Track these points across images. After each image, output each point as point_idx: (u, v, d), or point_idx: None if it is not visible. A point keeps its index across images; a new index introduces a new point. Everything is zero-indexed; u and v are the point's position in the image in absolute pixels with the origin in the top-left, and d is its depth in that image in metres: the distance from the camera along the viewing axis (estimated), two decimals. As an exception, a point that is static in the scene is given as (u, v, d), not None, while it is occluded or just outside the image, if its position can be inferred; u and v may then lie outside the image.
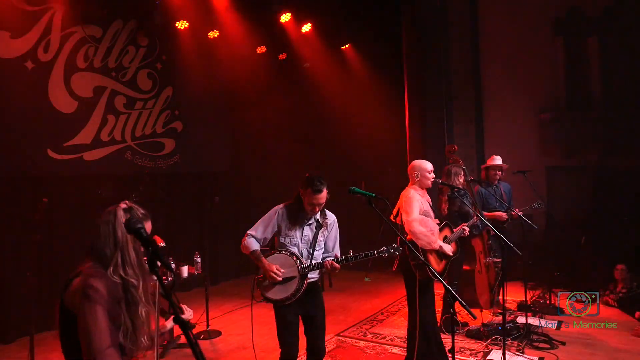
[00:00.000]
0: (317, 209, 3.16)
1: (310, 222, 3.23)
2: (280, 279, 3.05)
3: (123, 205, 1.92)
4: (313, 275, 3.24)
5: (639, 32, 6.89)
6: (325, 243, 3.29)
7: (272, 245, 3.33)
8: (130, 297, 1.84)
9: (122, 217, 1.87)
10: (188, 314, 2.33)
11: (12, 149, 5.39)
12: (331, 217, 3.33)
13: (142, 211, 1.97)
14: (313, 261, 3.17)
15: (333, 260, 3.15)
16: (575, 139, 7.46)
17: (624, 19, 7.03)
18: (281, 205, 3.27)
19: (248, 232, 3.23)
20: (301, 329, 3.29)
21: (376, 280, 7.75)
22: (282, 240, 3.22)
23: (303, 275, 3.11)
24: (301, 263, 3.12)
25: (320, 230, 3.23)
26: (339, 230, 3.39)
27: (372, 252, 3.19)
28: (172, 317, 2.03)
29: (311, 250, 3.19)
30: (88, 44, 6.14)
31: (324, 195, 3.09)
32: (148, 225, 1.95)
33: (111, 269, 1.81)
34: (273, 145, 8.87)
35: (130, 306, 1.84)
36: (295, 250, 3.17)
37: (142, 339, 1.86)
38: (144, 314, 1.85)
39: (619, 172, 6.91)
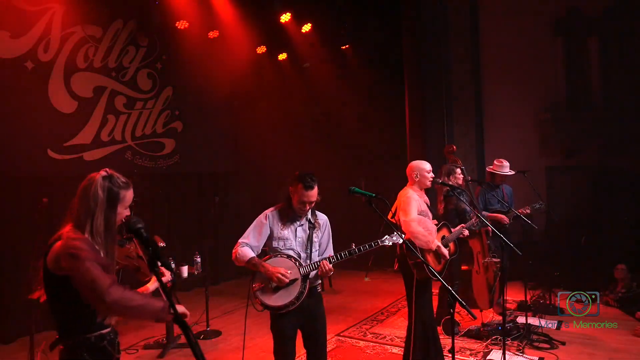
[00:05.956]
0: (307, 207, 2.99)
1: (302, 222, 3.08)
2: (288, 280, 2.90)
3: (103, 173, 1.96)
4: (314, 279, 3.07)
5: (639, 32, 6.90)
6: (319, 244, 3.15)
7: (263, 253, 3.14)
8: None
9: (99, 184, 1.92)
10: (166, 277, 2.23)
11: (12, 149, 5.39)
12: (323, 218, 3.19)
13: (122, 179, 2.00)
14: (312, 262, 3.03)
15: (325, 259, 2.99)
16: (575, 139, 7.46)
17: (624, 19, 7.03)
18: (271, 209, 3.13)
19: (240, 240, 3.04)
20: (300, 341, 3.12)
21: (376, 280, 7.75)
22: (275, 244, 3.05)
23: (305, 276, 2.96)
24: (300, 265, 2.98)
25: (314, 231, 3.09)
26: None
27: (376, 242, 3.09)
28: (154, 280, 2.11)
29: (308, 252, 3.05)
30: (88, 44, 6.15)
31: (314, 192, 2.94)
32: (129, 194, 2.00)
33: (86, 234, 1.87)
34: (273, 145, 8.87)
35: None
36: (290, 253, 3.02)
37: None
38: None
39: (619, 172, 6.90)
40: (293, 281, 2.93)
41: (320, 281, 3.17)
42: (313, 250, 3.07)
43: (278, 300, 2.93)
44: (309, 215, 3.10)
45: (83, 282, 1.75)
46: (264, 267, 2.93)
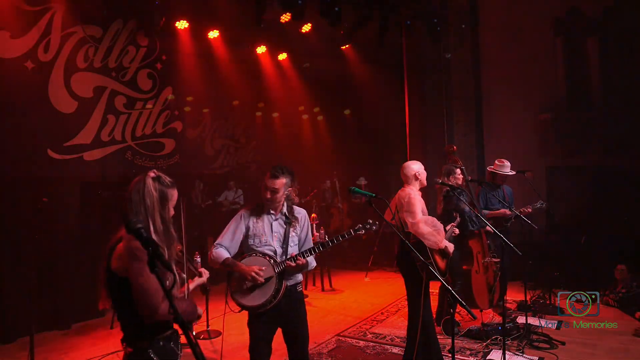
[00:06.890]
0: (269, 195, 2.97)
1: (277, 217, 3.08)
2: (262, 279, 2.88)
3: (152, 174, 2.00)
4: (291, 277, 3.03)
5: (638, 32, 6.90)
6: (298, 239, 3.14)
7: (240, 253, 3.12)
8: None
9: (151, 185, 1.97)
10: (205, 276, 2.44)
11: (12, 149, 5.40)
12: (301, 212, 3.18)
13: (169, 179, 2.06)
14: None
15: (297, 255, 2.97)
16: (575, 139, 7.46)
17: (623, 19, 7.03)
18: (245, 208, 3.17)
19: (215, 242, 3.03)
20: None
21: (376, 280, 7.75)
22: (250, 242, 3.03)
23: (280, 273, 2.93)
24: (275, 262, 2.96)
25: (291, 226, 3.08)
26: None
27: (349, 232, 3.08)
28: (197, 278, 2.21)
29: (284, 247, 3.02)
30: (88, 44, 6.15)
31: (278, 183, 2.95)
32: (176, 193, 2.07)
33: (153, 235, 1.89)
34: (273, 145, 8.88)
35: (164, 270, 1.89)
36: (266, 250, 3.00)
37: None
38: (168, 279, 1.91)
39: (619, 172, 6.91)
40: (268, 279, 2.91)
41: (300, 279, 3.13)
42: (291, 244, 3.06)
43: (254, 300, 2.92)
44: (285, 210, 3.10)
45: (136, 287, 1.78)
46: (238, 267, 2.93)
